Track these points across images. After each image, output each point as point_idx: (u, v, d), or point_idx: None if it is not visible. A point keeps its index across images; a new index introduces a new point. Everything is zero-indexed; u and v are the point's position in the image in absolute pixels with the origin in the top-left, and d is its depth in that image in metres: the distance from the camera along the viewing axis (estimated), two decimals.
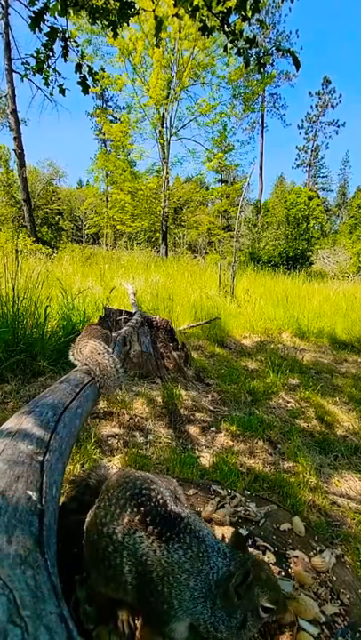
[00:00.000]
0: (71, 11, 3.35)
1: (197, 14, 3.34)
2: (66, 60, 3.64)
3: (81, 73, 3.67)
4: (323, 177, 44.98)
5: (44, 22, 3.21)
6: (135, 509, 0.89)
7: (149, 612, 0.88)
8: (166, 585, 0.82)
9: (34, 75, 3.82)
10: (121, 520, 0.88)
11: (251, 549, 1.32)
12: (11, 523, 0.72)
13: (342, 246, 27.35)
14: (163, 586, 0.82)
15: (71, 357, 1.92)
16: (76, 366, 1.87)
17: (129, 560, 0.85)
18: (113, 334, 3.24)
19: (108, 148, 26.27)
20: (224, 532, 1.37)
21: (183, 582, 0.81)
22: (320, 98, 39.90)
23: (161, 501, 0.91)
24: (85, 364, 1.79)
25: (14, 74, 16.10)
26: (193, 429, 2.97)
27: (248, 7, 3.10)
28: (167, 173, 21.40)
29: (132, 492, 0.92)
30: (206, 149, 21.81)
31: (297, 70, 3.21)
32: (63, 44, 3.50)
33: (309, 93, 40.11)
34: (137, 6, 3.52)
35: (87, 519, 0.99)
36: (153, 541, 0.84)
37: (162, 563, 0.82)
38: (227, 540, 1.29)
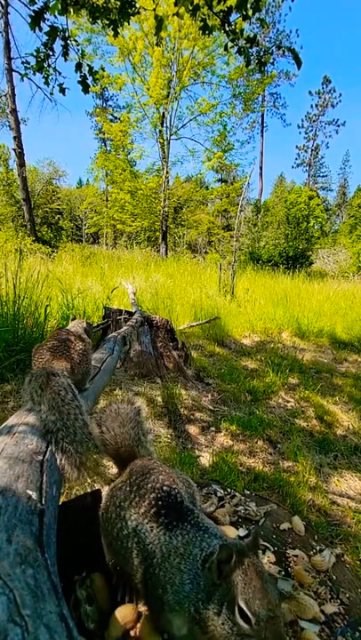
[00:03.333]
0: (71, 10, 3.35)
1: (198, 13, 3.34)
2: (66, 60, 3.64)
3: (81, 72, 3.67)
4: (323, 176, 45.03)
5: (44, 21, 3.21)
6: (153, 502, 0.91)
7: (149, 599, 0.89)
8: (162, 569, 0.83)
9: (34, 74, 3.82)
10: (138, 509, 0.92)
11: None
12: (11, 522, 0.72)
13: (342, 246, 27.36)
14: (160, 570, 0.84)
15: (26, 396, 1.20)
16: None
17: (137, 547, 0.89)
18: (113, 334, 3.23)
19: (108, 148, 26.26)
20: (224, 531, 1.37)
21: (175, 566, 0.82)
22: (320, 97, 39.90)
23: (178, 499, 0.93)
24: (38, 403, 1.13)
25: (14, 73, 16.09)
26: (193, 429, 2.97)
27: (249, 6, 3.09)
28: (167, 173, 21.38)
29: (154, 485, 0.95)
30: (206, 149, 21.82)
31: (298, 68, 3.21)
32: (63, 43, 3.50)
33: (309, 93, 40.13)
34: (137, 5, 3.52)
35: (106, 495, 1.04)
36: (160, 530, 0.87)
37: (162, 549, 0.85)
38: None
